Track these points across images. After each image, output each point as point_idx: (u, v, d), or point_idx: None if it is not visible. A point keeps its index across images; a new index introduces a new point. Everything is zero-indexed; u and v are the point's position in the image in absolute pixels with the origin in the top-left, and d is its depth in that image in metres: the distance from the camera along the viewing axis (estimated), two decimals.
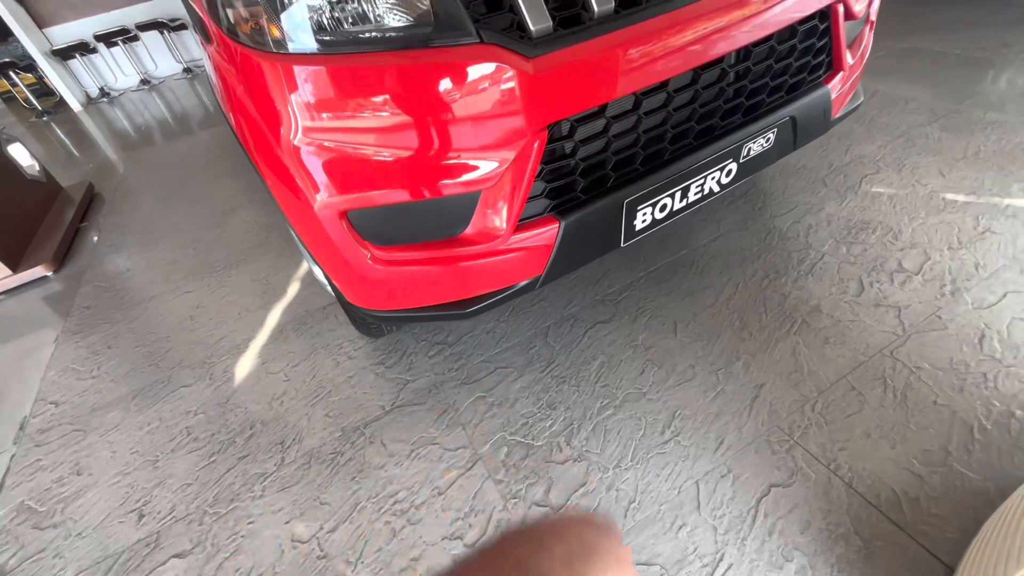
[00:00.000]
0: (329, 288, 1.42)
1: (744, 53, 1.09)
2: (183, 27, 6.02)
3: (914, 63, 2.54)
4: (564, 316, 1.57)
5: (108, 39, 5.67)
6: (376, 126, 0.85)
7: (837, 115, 1.38)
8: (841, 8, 1.18)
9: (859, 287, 1.44)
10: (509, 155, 0.91)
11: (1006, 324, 1.25)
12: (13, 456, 1.55)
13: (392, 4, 0.83)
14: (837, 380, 1.22)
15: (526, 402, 1.34)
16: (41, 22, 5.55)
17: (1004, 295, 1.33)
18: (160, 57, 6.12)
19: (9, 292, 2.44)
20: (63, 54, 5.56)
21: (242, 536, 1.19)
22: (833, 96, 1.29)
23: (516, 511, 1.12)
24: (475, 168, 0.91)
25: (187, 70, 6.14)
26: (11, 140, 3.00)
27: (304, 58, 0.83)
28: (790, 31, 1.12)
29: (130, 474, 1.40)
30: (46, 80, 5.84)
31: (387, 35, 0.83)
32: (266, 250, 2.27)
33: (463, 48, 0.83)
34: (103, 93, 5.96)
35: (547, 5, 0.85)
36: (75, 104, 5.71)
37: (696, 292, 1.54)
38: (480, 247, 1.02)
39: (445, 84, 0.83)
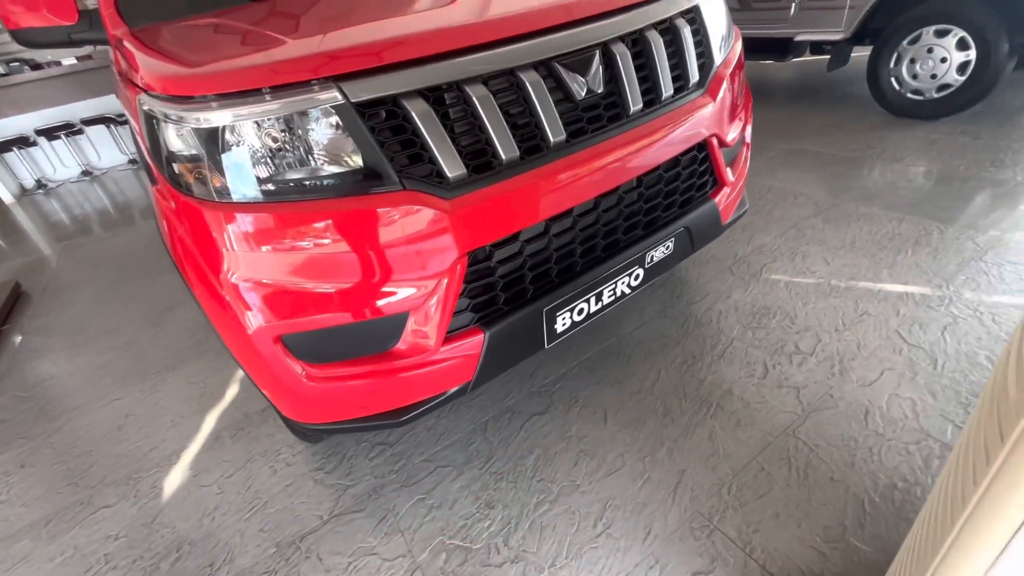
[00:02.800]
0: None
1: (637, 181, 1.28)
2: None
3: (800, 162, 2.95)
4: (502, 409, 1.64)
5: (50, 133, 5.65)
6: (311, 264, 0.94)
7: (727, 221, 1.60)
8: (715, 140, 1.42)
9: (764, 369, 1.60)
10: (434, 280, 1.01)
11: (885, 400, 1.43)
12: None
13: (325, 158, 0.95)
14: (748, 462, 1.33)
15: (465, 502, 1.37)
16: None
17: (882, 373, 1.52)
18: (104, 149, 6.11)
19: None
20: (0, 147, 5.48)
21: None
22: (721, 207, 1.51)
23: None
24: (404, 293, 1.00)
25: (132, 161, 6.15)
26: None
27: (244, 206, 0.92)
28: (674, 162, 1.33)
29: None
30: None
31: (321, 185, 0.95)
32: (205, 350, 2.24)
33: (388, 195, 0.95)
34: (40, 185, 5.83)
35: (461, 155, 1.01)
36: (6, 196, 5.54)
37: (623, 380, 1.66)
38: (411, 359, 1.09)
39: (373, 225, 0.95)
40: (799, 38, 3.62)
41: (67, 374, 2.27)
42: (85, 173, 6.04)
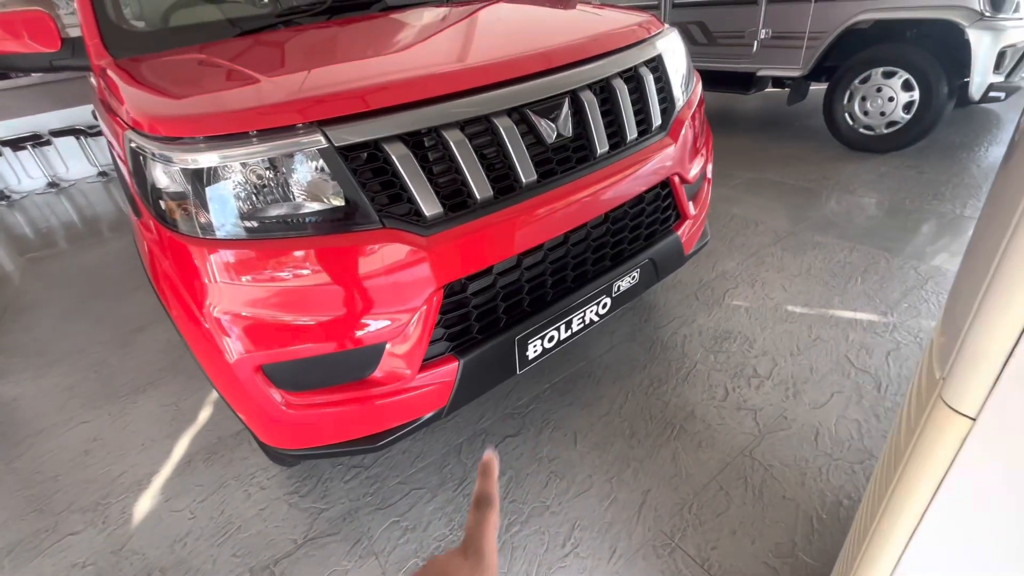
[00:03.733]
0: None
1: (604, 216, 1.36)
2: (100, 133, 6.00)
3: (761, 191, 3.12)
4: (476, 431, 1.68)
5: (16, 144, 5.51)
6: (293, 298, 0.99)
7: (689, 252, 1.70)
8: (677, 178, 1.52)
9: (724, 392, 1.69)
10: (411, 312, 1.07)
11: (834, 422, 1.53)
12: None
13: (308, 198, 1.00)
14: (708, 482, 1.41)
15: (439, 524, 1.40)
16: None
17: (832, 395, 1.62)
18: (72, 160, 5.97)
19: None
20: None
21: None
22: (683, 239, 1.61)
23: None
24: (383, 325, 1.06)
25: (102, 173, 6.02)
26: None
27: (228, 243, 0.97)
28: (639, 199, 1.43)
29: None
30: None
31: (304, 222, 1.00)
32: (178, 372, 2.22)
33: (368, 232, 1.01)
34: (2, 196, 5.65)
35: (438, 195, 1.07)
36: None
37: (593, 402, 1.73)
38: (388, 387, 1.14)
39: (354, 262, 1.00)
40: (761, 73, 3.84)
41: (31, 396, 2.21)
42: (52, 185, 5.88)
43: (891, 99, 3.19)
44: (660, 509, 1.36)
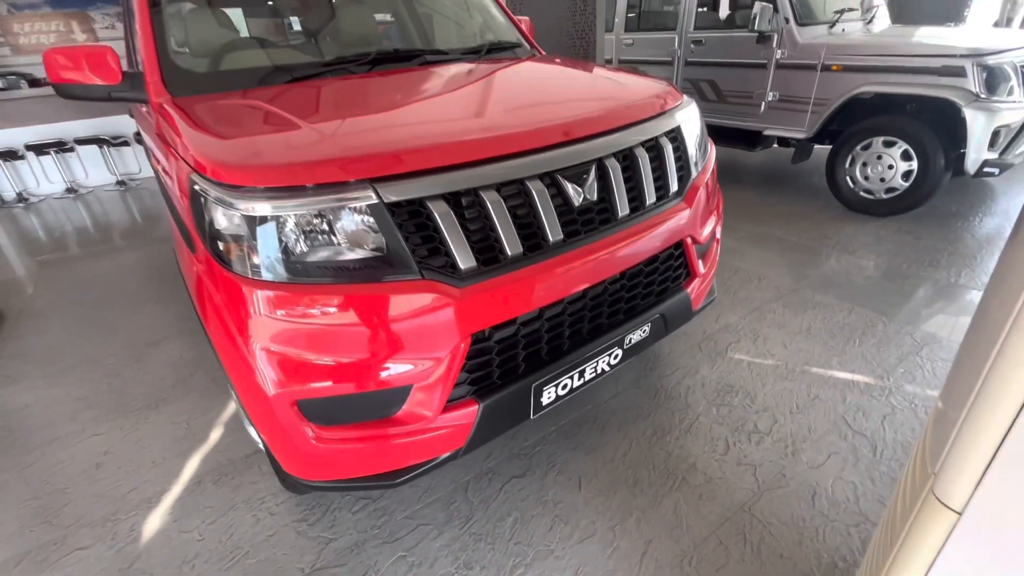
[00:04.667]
0: (261, 446, 1.51)
1: (621, 274, 1.45)
2: (125, 144, 6.15)
3: (765, 245, 3.23)
4: (484, 470, 1.73)
5: (40, 149, 5.65)
6: (334, 339, 1.06)
7: (697, 308, 1.78)
8: (690, 239, 1.61)
9: (726, 446, 1.75)
10: (439, 358, 1.14)
11: (830, 483, 1.58)
12: None
13: (355, 247, 1.09)
14: (708, 535, 1.45)
15: (445, 561, 1.44)
16: None
17: (829, 456, 1.68)
18: (93, 168, 6.11)
19: None
20: None
21: None
22: (692, 296, 1.70)
23: None
24: (412, 368, 1.12)
25: (121, 183, 6.15)
26: None
27: (278, 285, 1.04)
28: (653, 258, 1.52)
29: None
30: None
31: (349, 270, 1.08)
32: (190, 389, 2.26)
33: (408, 283, 1.09)
34: (20, 198, 5.76)
35: (472, 250, 1.16)
36: None
37: (598, 448, 1.78)
38: (411, 426, 1.20)
39: (391, 309, 1.08)
40: (767, 132, 4.02)
41: (44, 404, 2.25)
42: (70, 190, 6.00)
43: (891, 167, 3.35)
44: (661, 560, 1.40)
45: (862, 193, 3.56)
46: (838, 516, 1.48)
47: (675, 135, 1.58)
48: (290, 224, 1.05)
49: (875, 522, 1.45)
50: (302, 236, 1.06)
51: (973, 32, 3.54)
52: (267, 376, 1.08)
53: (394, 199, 1.08)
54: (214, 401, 2.17)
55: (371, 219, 1.07)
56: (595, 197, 1.34)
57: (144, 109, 1.83)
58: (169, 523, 1.62)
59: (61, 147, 5.78)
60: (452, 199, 1.14)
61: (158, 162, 1.63)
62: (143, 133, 2.90)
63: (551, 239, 1.25)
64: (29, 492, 1.79)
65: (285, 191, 1.04)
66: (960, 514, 0.51)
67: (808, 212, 3.74)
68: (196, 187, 1.13)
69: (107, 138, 5.97)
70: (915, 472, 0.62)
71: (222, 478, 1.77)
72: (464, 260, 1.14)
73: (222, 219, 1.09)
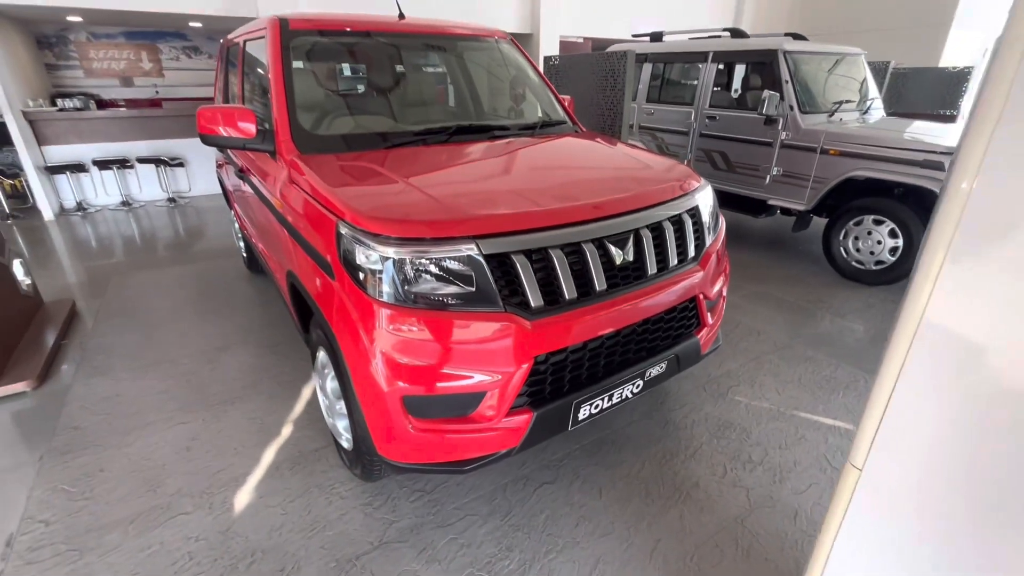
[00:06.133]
0: (344, 442, 1.85)
1: (646, 320, 1.82)
2: (180, 164, 6.68)
3: (765, 303, 3.61)
4: (519, 476, 2.05)
5: (105, 164, 6.17)
6: (434, 351, 1.43)
7: (705, 352, 2.14)
8: (702, 296, 1.99)
9: (724, 470, 2.07)
10: (510, 373, 1.50)
11: (810, 507, 1.90)
12: (2, 572, 1.66)
13: (456, 284, 1.47)
14: (707, 539, 1.76)
15: (490, 545, 1.75)
16: (43, 140, 6.00)
17: (810, 485, 2.00)
18: (147, 183, 6.63)
19: None
20: (54, 170, 5.94)
21: None
22: (701, 342, 2.06)
23: None
24: (489, 379, 1.48)
25: (171, 200, 6.65)
26: (15, 255, 3.26)
27: (397, 307, 1.42)
28: (672, 309, 1.89)
29: None
30: (23, 186, 6.11)
31: (450, 302, 1.46)
32: (259, 392, 2.61)
33: (494, 314, 1.47)
34: (79, 207, 6.24)
35: (541, 293, 1.53)
36: (47, 213, 5.92)
37: (615, 465, 2.10)
38: (482, 424, 1.54)
39: (481, 332, 1.45)
40: (771, 202, 4.47)
41: (132, 395, 2.59)
42: (124, 203, 6.49)
43: (879, 242, 3.76)
44: (668, 556, 1.70)
45: (854, 263, 3.97)
46: (815, 532, 1.78)
47: (694, 212, 1.98)
48: (411, 264, 1.43)
49: None
50: (420, 273, 1.45)
51: (953, 131, 4.02)
52: (384, 375, 1.44)
53: (489, 252, 1.46)
54: (282, 404, 2.51)
55: (470, 265, 1.46)
56: (631, 258, 1.73)
57: (273, 159, 2.23)
58: (256, 499, 1.94)
59: (123, 164, 6.30)
60: (529, 254, 1.52)
61: (280, 201, 2.04)
62: (228, 168, 3.35)
63: (597, 288, 1.64)
64: (131, 466, 2.11)
65: (411, 241, 1.44)
66: (861, 470, 0.85)
67: (805, 276, 4.14)
68: (344, 231, 1.52)
69: (166, 159, 6.51)
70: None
71: (296, 466, 2.10)
72: (535, 299, 1.52)
73: (360, 256, 1.47)
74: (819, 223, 4.39)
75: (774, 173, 4.38)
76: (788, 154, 4.27)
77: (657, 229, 1.83)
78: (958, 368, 0.77)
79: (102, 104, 7.45)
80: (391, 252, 1.43)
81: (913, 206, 3.62)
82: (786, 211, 4.57)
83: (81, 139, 6.21)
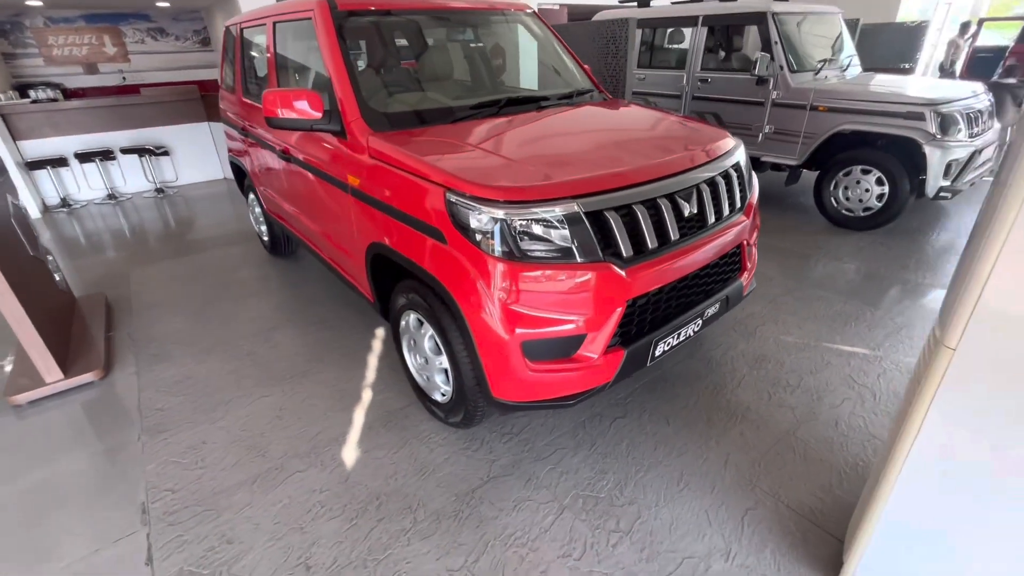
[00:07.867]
0: (439, 395, 2.04)
1: (706, 265, 2.05)
2: (165, 153, 6.49)
3: (769, 254, 3.92)
4: (592, 414, 2.29)
5: (86, 157, 5.95)
6: (546, 300, 1.63)
7: (746, 293, 2.40)
8: (746, 242, 2.24)
9: (768, 395, 2.37)
10: (608, 316, 1.71)
11: (847, 417, 2.21)
12: (148, 534, 1.80)
13: (560, 239, 1.65)
14: (768, 449, 2.05)
15: (585, 470, 1.99)
16: (18, 135, 5.72)
17: (843, 401, 2.31)
18: (132, 176, 6.42)
19: (59, 396, 2.58)
20: (33, 165, 5.69)
21: (405, 573, 1.63)
22: (744, 283, 2.32)
23: (600, 537, 1.72)
24: (592, 322, 1.69)
25: (159, 191, 6.47)
26: (48, 251, 3.25)
27: (511, 262, 1.60)
28: (725, 255, 2.13)
29: (281, 539, 1.76)
30: None
31: (555, 256, 1.64)
32: (327, 365, 2.75)
33: (594, 264, 1.67)
34: (64, 203, 6.02)
35: (632, 244, 1.74)
36: (33, 211, 5.69)
37: (673, 399, 2.37)
38: (583, 363, 1.76)
39: (585, 282, 1.65)
40: (764, 159, 4.76)
41: (203, 376, 2.69)
42: (110, 196, 6.29)
43: (867, 190, 4.11)
44: (739, 465, 1.99)
45: (844, 211, 4.31)
46: (855, 436, 2.11)
47: (737, 167, 2.21)
48: (517, 224, 1.61)
49: (880, 438, 2.09)
50: (528, 231, 1.62)
51: (931, 84, 4.37)
52: (504, 324, 1.63)
53: (588, 210, 1.65)
54: (354, 372, 2.66)
55: (572, 222, 1.65)
56: (695, 210, 1.95)
57: (326, 136, 2.33)
58: (361, 453, 2.12)
59: (106, 156, 6.09)
60: (619, 210, 1.72)
61: (326, 177, 2.15)
62: (255, 153, 3.39)
63: (672, 238, 1.85)
64: (231, 437, 2.25)
65: (517, 203, 1.61)
66: (954, 350, 1.09)
67: (799, 226, 4.47)
68: (452, 199, 1.68)
69: (150, 148, 6.31)
70: (929, 343, 1.21)
71: (389, 423, 2.28)
72: (626, 250, 1.72)
73: (474, 220, 1.64)
74: (809, 177, 4.71)
75: (766, 131, 4.66)
76: (779, 112, 4.54)
77: (712, 183, 2.04)
78: None
79: (69, 94, 7.10)
80: (495, 214, 1.59)
81: (897, 155, 3.95)
82: (776, 167, 4.87)
83: (57, 131, 5.96)
